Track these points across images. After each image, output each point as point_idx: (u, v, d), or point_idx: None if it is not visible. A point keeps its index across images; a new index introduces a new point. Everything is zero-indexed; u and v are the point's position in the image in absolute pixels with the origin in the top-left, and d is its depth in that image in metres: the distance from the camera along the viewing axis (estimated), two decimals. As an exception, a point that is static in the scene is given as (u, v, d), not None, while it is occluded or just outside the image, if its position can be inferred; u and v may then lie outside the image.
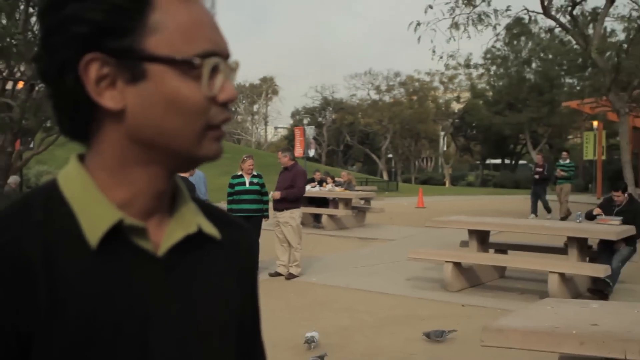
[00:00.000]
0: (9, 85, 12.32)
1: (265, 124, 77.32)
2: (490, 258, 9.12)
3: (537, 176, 18.20)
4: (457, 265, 8.72)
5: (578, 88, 34.34)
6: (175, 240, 0.86)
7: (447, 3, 18.20)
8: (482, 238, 9.11)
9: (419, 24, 17.64)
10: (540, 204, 17.95)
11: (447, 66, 24.09)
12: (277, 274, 9.67)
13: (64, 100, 0.83)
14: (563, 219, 16.32)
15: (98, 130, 0.83)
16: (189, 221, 0.89)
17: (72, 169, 0.85)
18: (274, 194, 9.53)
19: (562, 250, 8.80)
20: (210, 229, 0.91)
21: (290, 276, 9.52)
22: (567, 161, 18.72)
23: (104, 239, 0.80)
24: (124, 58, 0.78)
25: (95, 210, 0.81)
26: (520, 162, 57.43)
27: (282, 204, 9.58)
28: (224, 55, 0.83)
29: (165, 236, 0.86)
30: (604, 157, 31.69)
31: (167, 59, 0.79)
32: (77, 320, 0.77)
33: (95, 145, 0.84)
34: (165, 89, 0.79)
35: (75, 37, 0.78)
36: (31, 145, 14.57)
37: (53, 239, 0.79)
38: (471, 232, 9.06)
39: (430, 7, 17.69)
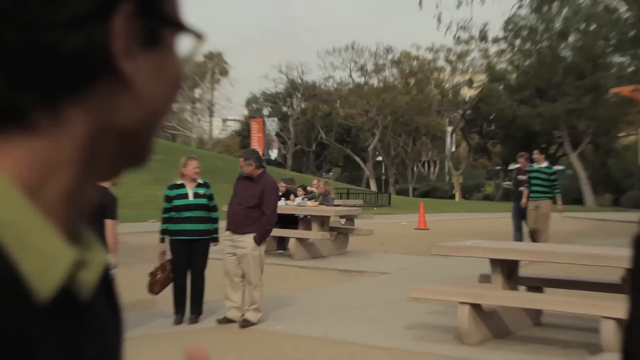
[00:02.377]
0: None
1: (211, 115, 77.63)
2: (521, 298, 9.12)
3: (522, 187, 16.62)
4: (477, 308, 8.69)
5: (631, 69, 34.76)
6: (96, 275, 0.79)
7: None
8: (509, 271, 9.09)
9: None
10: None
11: (457, 40, 24.10)
12: (228, 321, 9.54)
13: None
14: None
15: (49, 118, 0.72)
16: (96, 246, 0.82)
17: None
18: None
19: (618, 288, 8.82)
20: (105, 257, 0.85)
21: (246, 323, 9.39)
22: (544, 165, 16.65)
23: None
24: (146, 15, 0.75)
25: (41, 247, 0.71)
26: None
27: (247, 228, 9.42)
28: None
29: (87, 272, 0.77)
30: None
31: (182, 26, 0.79)
32: None
33: (32, 142, 0.72)
34: (177, 61, 0.81)
35: None
36: None
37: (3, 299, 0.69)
38: (494, 263, 9.04)
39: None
